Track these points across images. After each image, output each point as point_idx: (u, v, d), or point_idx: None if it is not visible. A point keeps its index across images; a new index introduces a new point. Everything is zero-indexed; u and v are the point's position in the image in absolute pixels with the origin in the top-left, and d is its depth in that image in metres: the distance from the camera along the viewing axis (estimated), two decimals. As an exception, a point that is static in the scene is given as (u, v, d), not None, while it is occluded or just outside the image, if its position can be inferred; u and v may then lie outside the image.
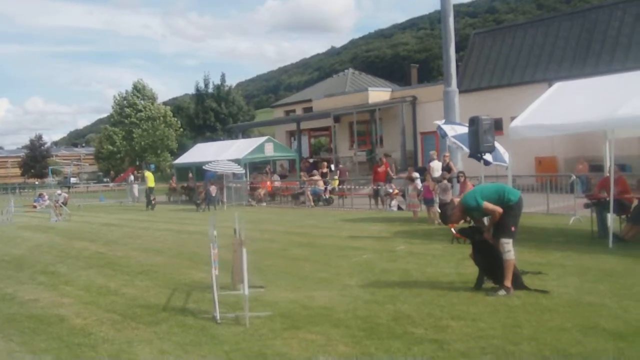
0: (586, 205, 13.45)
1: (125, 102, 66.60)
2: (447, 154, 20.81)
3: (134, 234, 18.27)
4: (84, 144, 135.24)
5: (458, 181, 17.61)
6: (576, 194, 16.93)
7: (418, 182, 18.33)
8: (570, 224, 14.89)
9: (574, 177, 18.25)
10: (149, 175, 32.42)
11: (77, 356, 6.21)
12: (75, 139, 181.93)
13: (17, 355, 6.38)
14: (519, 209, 8.23)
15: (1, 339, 7.03)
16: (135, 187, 39.49)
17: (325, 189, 27.35)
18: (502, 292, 7.79)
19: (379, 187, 23.20)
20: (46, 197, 35.41)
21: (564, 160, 27.33)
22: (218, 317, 7.17)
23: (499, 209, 7.99)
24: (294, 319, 7.12)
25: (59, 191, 34.68)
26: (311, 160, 40.62)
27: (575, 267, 9.62)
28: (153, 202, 30.36)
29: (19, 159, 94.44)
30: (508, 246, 7.94)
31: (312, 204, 26.08)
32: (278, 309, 7.61)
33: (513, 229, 8.07)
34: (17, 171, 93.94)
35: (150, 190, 31.03)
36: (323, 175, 29.13)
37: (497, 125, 19.49)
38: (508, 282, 7.88)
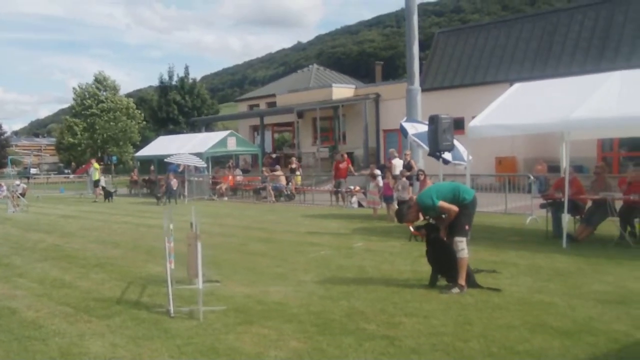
0: (542, 206, 13.65)
1: (86, 93, 65.67)
2: (408, 152, 20.94)
3: (92, 226, 18.09)
4: (45, 135, 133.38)
5: (418, 179, 17.72)
6: (533, 194, 17.16)
7: (379, 179, 18.42)
8: (526, 224, 15.09)
9: (531, 177, 18.51)
10: (96, 166, 32.58)
11: (26, 349, 6.15)
12: (36, 129, 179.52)
13: (-35, 348, 6.30)
14: (473, 207, 8.32)
15: (-51, 331, 6.93)
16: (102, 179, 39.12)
17: (288, 184, 27.36)
18: (455, 290, 7.89)
19: (340, 184, 23.30)
20: (4, 187, 34.81)
21: (523, 160, 27.66)
22: (172, 311, 7.16)
23: (455, 208, 8.07)
24: (248, 314, 7.13)
25: (17, 182, 34.13)
26: (274, 156, 40.57)
27: (528, 266, 9.77)
28: (97, 195, 30.85)
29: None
30: (462, 244, 8.02)
31: (274, 199, 26.08)
32: (232, 304, 7.61)
33: (467, 227, 8.16)
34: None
35: (95, 183, 31.35)
36: (292, 170, 28.99)
37: (459, 125, 19.69)
38: (462, 280, 7.98)
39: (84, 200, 30.68)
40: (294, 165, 29.63)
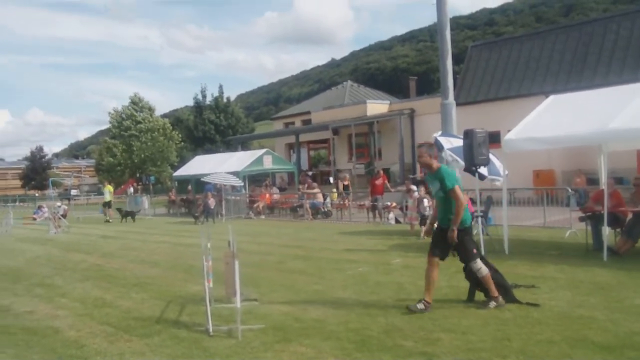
0: (581, 219, 13.49)
1: (122, 115, 66.59)
2: (443, 166, 20.83)
3: (131, 246, 18.31)
4: (84, 156, 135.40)
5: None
6: (572, 207, 16.96)
7: (416, 194, 18.36)
8: (566, 237, 14.91)
9: (570, 190, 18.30)
10: (109, 188, 33.32)
11: (69, 368, 6.26)
12: (76, 150, 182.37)
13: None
14: (472, 231, 8.36)
15: (-5, 351, 7.08)
16: (145, 200, 39.61)
17: (325, 201, 27.38)
18: (492, 304, 7.86)
19: (377, 200, 23.27)
20: (45, 209, 35.42)
21: (561, 173, 27.37)
22: (211, 330, 7.21)
23: (464, 202, 7.93)
24: (286, 332, 7.16)
25: (58, 203, 34.72)
26: (310, 173, 40.67)
27: (568, 280, 9.65)
28: (109, 215, 31.42)
29: (20, 171, 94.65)
30: (477, 265, 8.00)
31: (311, 216, 26.13)
32: (271, 322, 7.64)
33: (475, 251, 8.11)
34: (18, 183, 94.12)
35: (108, 204, 31.94)
36: (345, 187, 28.61)
37: (495, 138, 19.53)
38: (494, 292, 7.97)
39: (130, 221, 31.01)
40: (346, 182, 29.22)
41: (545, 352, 5.98)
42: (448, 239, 7.83)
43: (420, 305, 7.80)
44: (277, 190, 33.96)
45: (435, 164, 8.08)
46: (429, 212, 17.00)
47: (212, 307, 7.55)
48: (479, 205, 14.95)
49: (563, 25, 35.21)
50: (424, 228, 16.60)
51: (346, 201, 26.73)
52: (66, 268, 14.02)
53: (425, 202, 17.19)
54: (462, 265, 8.56)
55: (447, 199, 7.98)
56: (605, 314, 7.33)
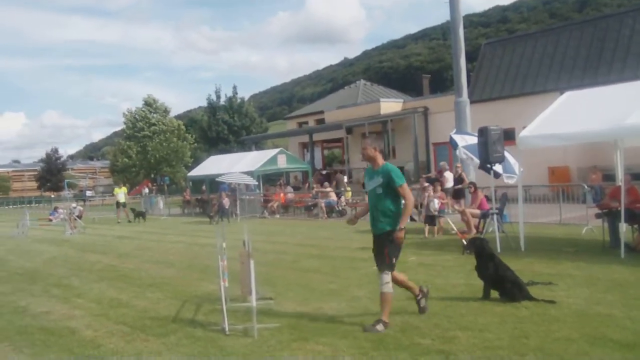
0: (597, 215, 13.40)
1: (136, 117, 66.84)
2: (458, 164, 20.79)
3: (146, 246, 18.38)
4: (99, 157, 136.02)
5: (470, 192, 17.61)
6: (588, 203, 16.84)
7: (431, 190, 18.31)
8: (582, 234, 14.80)
9: (586, 187, 18.18)
10: (123, 190, 33.69)
11: (86, 368, 6.28)
12: (91, 152, 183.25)
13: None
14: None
15: (12, 350, 7.13)
16: (160, 200, 39.76)
17: (339, 200, 27.35)
18: (380, 327, 7.07)
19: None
20: (61, 210, 35.62)
21: (577, 169, 27.20)
22: (227, 329, 7.22)
23: (413, 200, 7.42)
24: (302, 331, 7.15)
25: (74, 204, 34.93)
26: (324, 172, 40.66)
27: (585, 277, 9.59)
28: (120, 216, 31.65)
29: (36, 173, 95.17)
30: (386, 278, 7.24)
31: (326, 215, 26.11)
32: (286, 321, 7.64)
33: (394, 261, 7.32)
34: (34, 184, 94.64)
35: (121, 205, 32.08)
36: (364, 186, 28.23)
37: (509, 136, 19.44)
38: (385, 317, 7.19)
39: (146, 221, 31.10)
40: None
41: (564, 349, 5.93)
42: (393, 241, 7.18)
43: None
44: (292, 190, 33.97)
45: (380, 158, 7.46)
46: (437, 211, 17.00)
47: (228, 306, 7.55)
48: (495, 202, 14.88)
49: (577, 21, 34.96)
50: (427, 227, 16.65)
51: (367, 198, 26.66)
52: (82, 269, 14.09)
53: (436, 202, 17.14)
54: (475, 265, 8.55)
55: (384, 198, 7.26)
56: (624, 312, 7.28)
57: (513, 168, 14.66)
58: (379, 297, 8.70)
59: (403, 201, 7.33)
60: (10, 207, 62.72)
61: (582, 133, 12.17)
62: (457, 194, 20.70)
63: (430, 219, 16.84)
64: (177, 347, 6.80)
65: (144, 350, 6.80)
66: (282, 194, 30.64)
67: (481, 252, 8.51)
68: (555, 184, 22.09)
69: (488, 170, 13.68)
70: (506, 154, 13.92)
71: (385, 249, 7.25)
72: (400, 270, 11.14)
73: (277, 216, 28.58)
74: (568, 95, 14.46)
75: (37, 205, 60.77)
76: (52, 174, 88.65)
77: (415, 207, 21.56)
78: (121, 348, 6.92)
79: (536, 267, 10.58)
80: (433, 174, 28.02)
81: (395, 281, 7.50)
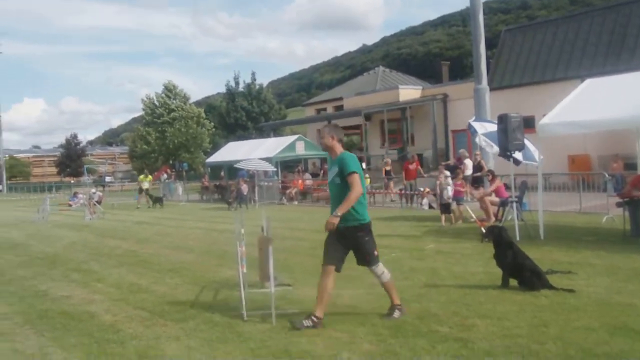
0: (618, 204, 13.28)
1: (156, 103, 67.01)
2: (478, 152, 20.70)
3: (165, 232, 18.48)
4: (118, 143, 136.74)
5: (488, 180, 17.53)
6: (609, 192, 16.71)
7: (449, 180, 18.28)
8: (603, 223, 14.70)
9: (607, 175, 18.03)
10: (149, 179, 34.71)
11: (105, 352, 6.31)
12: (110, 138, 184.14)
13: (49, 350, 6.50)
14: (372, 229, 7.18)
15: (34, 334, 7.19)
16: (179, 186, 40.02)
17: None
18: (397, 314, 7.04)
19: (410, 186, 23.23)
20: (81, 195, 35.89)
21: (597, 157, 26.97)
22: (245, 315, 7.24)
23: (359, 192, 6.85)
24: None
25: (93, 190, 35.17)
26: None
27: (605, 266, 9.52)
28: (140, 202, 32.35)
29: (55, 158, 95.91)
30: (379, 270, 7.05)
31: (344, 202, 26.04)
32: (305, 307, 7.62)
33: (376, 253, 7.08)
34: (54, 170, 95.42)
35: (145, 192, 32.84)
36: (387, 173, 28.13)
37: (529, 123, 19.32)
38: (396, 300, 7.16)
39: (164, 206, 31.24)
40: (388, 167, 28.76)
41: (584, 339, 5.88)
42: (362, 236, 6.95)
43: (308, 322, 6.75)
44: (310, 176, 33.99)
45: (338, 147, 7.12)
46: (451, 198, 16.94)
47: (246, 292, 7.56)
48: (514, 190, 14.80)
49: (599, 7, 34.51)
50: (444, 216, 16.59)
51: (391, 185, 26.60)
52: (102, 254, 14.20)
53: (449, 189, 17.06)
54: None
55: (342, 188, 6.89)
56: (645, 301, 7.21)
57: (533, 155, 14.56)
58: (397, 284, 8.70)
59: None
60: (31, 192, 63.17)
61: (604, 121, 12.06)
62: (476, 182, 20.62)
63: (445, 207, 16.77)
64: (196, 333, 6.82)
65: (163, 335, 6.83)
66: (300, 181, 30.66)
67: (499, 240, 8.46)
68: (576, 172, 21.90)
69: (508, 158, 13.59)
70: (526, 141, 13.82)
71: (361, 247, 7.01)
72: (418, 258, 11.18)
73: (295, 203, 28.62)
74: (589, 82, 14.31)
75: (57, 190, 61.14)
76: (71, 160, 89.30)
77: (434, 195, 21.53)
78: (140, 333, 6.96)
79: (555, 256, 10.52)
80: (452, 161, 27.95)
81: (324, 286, 6.93)
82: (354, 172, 6.80)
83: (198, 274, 10.67)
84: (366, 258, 7.00)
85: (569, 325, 6.34)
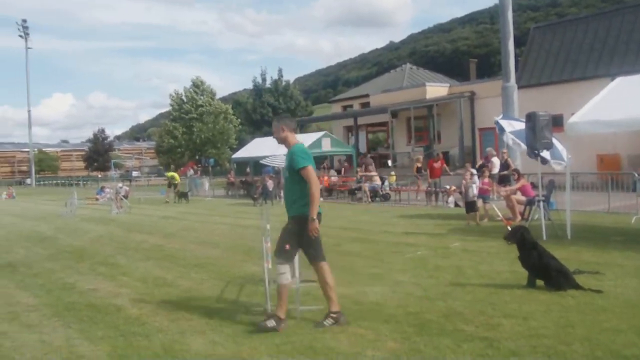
0: (648, 204, 13.12)
1: (183, 98, 67.41)
2: (504, 150, 20.54)
3: (191, 227, 18.58)
4: (145, 138, 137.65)
5: (514, 179, 17.38)
6: (638, 192, 16.50)
7: (475, 178, 18.16)
8: (632, 223, 14.52)
9: (637, 175, 17.80)
10: (173, 175, 34.71)
11: (131, 345, 6.36)
12: (137, 133, 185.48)
13: (75, 342, 6.57)
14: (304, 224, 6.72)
15: (61, 326, 7.26)
16: (205, 182, 40.28)
17: (383, 184, 27.24)
18: (270, 323, 6.62)
19: (435, 184, 23.14)
20: (108, 190, 36.21)
21: (627, 157, 26.66)
22: (269, 310, 7.24)
23: (318, 185, 6.86)
24: (345, 314, 7.12)
25: (120, 184, 35.45)
26: (368, 156, 40.58)
27: (634, 267, 9.38)
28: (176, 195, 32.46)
29: (83, 153, 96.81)
30: (281, 268, 6.69)
31: (369, 199, 26.05)
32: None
33: (287, 247, 6.73)
34: (82, 164, 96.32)
35: (174, 186, 33.05)
36: (418, 170, 27.41)
37: (558, 122, 19.14)
38: (280, 312, 6.71)
39: (190, 202, 31.40)
40: (419, 165, 27.64)
41: (611, 340, 5.81)
42: (308, 231, 6.64)
43: (329, 321, 6.69)
44: (335, 173, 33.97)
45: (292, 138, 7.04)
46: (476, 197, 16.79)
47: (271, 288, 7.57)
48: (541, 189, 14.66)
49: (631, 4, 34.03)
50: (469, 214, 16.45)
51: (419, 182, 26.37)
52: (128, 248, 14.31)
53: (474, 187, 16.90)
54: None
55: (292, 182, 6.90)
56: (675, 303, 7.11)
57: (561, 154, 14.42)
58: (422, 282, 8.68)
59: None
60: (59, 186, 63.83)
61: (634, 120, 11.89)
62: (503, 180, 20.44)
63: (470, 206, 16.62)
64: (221, 328, 6.84)
65: (188, 329, 6.86)
66: (325, 177, 30.66)
67: (523, 241, 8.37)
68: (604, 172, 21.65)
69: (535, 156, 13.47)
70: (554, 140, 13.69)
71: (282, 235, 6.86)
72: (443, 256, 11.13)
73: (321, 199, 28.56)
74: (620, 80, 14.11)
75: (84, 184, 61.74)
76: (99, 154, 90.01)
77: (460, 193, 21.40)
78: (165, 326, 7.00)
79: (583, 256, 10.40)
80: (481, 162, 27.70)
81: (323, 282, 6.84)
82: (305, 167, 6.71)
83: (223, 269, 10.71)
84: (277, 247, 6.80)
85: (596, 327, 6.27)
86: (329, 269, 6.88)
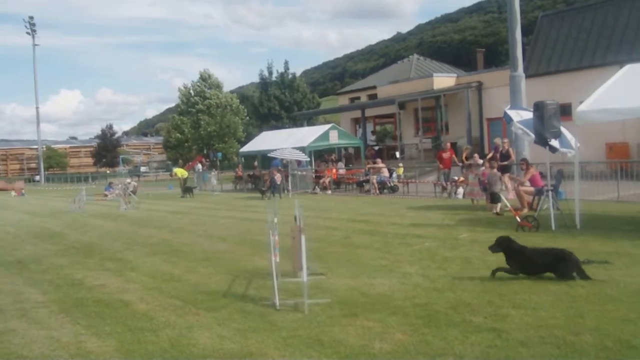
0: (657, 192, 13.03)
1: (191, 91, 67.53)
2: (505, 140, 20.46)
3: (199, 221, 18.58)
4: (153, 133, 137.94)
5: (521, 169, 17.27)
6: (647, 180, 16.40)
7: (481, 169, 18.04)
8: (641, 212, 14.45)
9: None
10: (179, 171, 35.11)
11: (139, 340, 6.36)
12: (145, 128, 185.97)
13: (83, 338, 6.57)
14: None
15: (69, 322, 7.27)
16: (213, 176, 40.32)
17: (391, 176, 27.17)
18: None
19: (445, 174, 23.09)
20: (116, 185, 36.28)
21: (636, 146, 26.50)
22: (277, 304, 7.24)
23: None
24: (353, 306, 7.12)
25: (128, 180, 35.57)
26: (376, 148, 40.50)
27: (643, 256, 9.33)
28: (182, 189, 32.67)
29: (92, 149, 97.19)
30: None
31: (377, 191, 26.00)
32: (337, 296, 7.62)
33: None
34: (90, 160, 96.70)
35: (184, 182, 33.50)
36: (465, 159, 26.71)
37: (566, 111, 19.04)
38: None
39: (198, 196, 31.45)
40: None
41: (621, 330, 5.77)
42: None
43: None
44: (343, 165, 33.94)
45: None
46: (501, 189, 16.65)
47: (279, 282, 7.56)
48: (550, 179, 14.58)
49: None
50: (493, 205, 16.30)
51: (465, 173, 26.14)
52: (136, 243, 14.33)
53: (499, 181, 16.72)
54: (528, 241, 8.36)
55: None
56: (685, 291, 7.06)
57: (570, 143, 14.31)
58: (430, 273, 8.65)
59: None
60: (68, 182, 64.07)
61: (643, 107, 11.77)
62: (503, 170, 20.27)
63: (495, 196, 16.35)
64: (228, 322, 6.84)
65: (195, 324, 6.86)
66: (334, 170, 30.62)
67: (509, 249, 8.34)
68: (613, 161, 21.51)
69: (544, 145, 13.39)
70: (562, 129, 13.60)
71: None
72: (452, 247, 11.09)
73: (329, 192, 28.57)
74: (629, 68, 13.97)
75: (93, 181, 61.93)
76: (107, 150, 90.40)
77: (484, 185, 21.30)
78: (173, 321, 7.00)
79: (592, 246, 10.33)
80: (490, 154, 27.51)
81: None
82: None
83: (231, 263, 10.71)
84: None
85: (605, 316, 6.23)
86: None
